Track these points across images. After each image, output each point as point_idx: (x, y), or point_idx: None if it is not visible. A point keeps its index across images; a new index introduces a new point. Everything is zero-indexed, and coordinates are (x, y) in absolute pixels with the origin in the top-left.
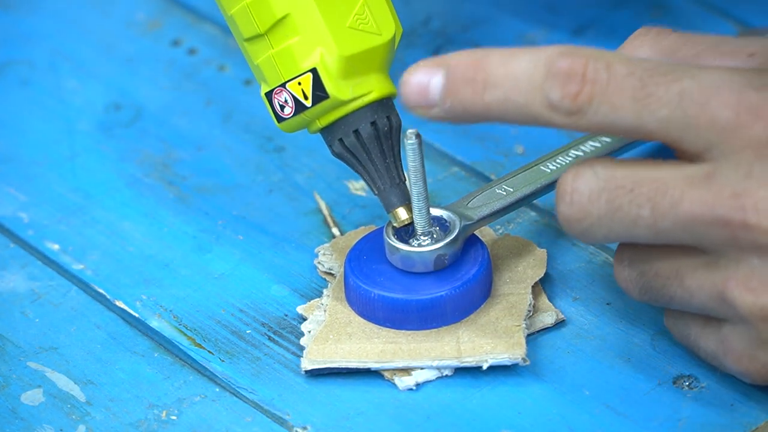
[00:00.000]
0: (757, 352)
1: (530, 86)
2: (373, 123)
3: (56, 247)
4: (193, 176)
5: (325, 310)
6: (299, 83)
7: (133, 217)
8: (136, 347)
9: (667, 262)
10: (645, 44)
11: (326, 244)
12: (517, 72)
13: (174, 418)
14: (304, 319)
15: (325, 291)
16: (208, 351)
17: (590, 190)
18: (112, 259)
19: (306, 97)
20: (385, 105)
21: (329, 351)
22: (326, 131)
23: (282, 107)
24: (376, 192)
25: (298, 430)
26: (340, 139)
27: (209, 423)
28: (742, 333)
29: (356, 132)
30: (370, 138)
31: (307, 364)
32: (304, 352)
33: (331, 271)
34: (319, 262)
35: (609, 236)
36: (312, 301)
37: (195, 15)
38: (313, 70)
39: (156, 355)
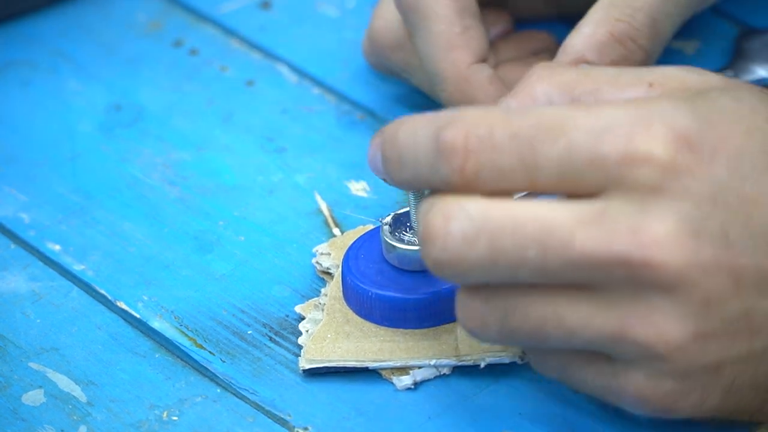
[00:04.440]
0: (660, 381)
1: (427, 164)
2: None
3: (57, 247)
4: (194, 177)
5: (323, 309)
6: None
7: (134, 217)
8: (137, 348)
9: (539, 303)
10: (543, 80)
11: (324, 244)
12: (419, 149)
13: (175, 418)
14: (302, 318)
15: (323, 290)
16: (209, 352)
17: (464, 233)
18: (113, 260)
19: None
20: None
21: (327, 350)
22: None
23: None
24: None
25: (299, 430)
26: None
27: (210, 423)
28: (641, 365)
29: None
30: None
31: (305, 364)
32: (302, 351)
33: (329, 271)
34: (317, 262)
35: (485, 279)
36: (310, 300)
37: (196, 15)
38: None
39: (157, 355)
